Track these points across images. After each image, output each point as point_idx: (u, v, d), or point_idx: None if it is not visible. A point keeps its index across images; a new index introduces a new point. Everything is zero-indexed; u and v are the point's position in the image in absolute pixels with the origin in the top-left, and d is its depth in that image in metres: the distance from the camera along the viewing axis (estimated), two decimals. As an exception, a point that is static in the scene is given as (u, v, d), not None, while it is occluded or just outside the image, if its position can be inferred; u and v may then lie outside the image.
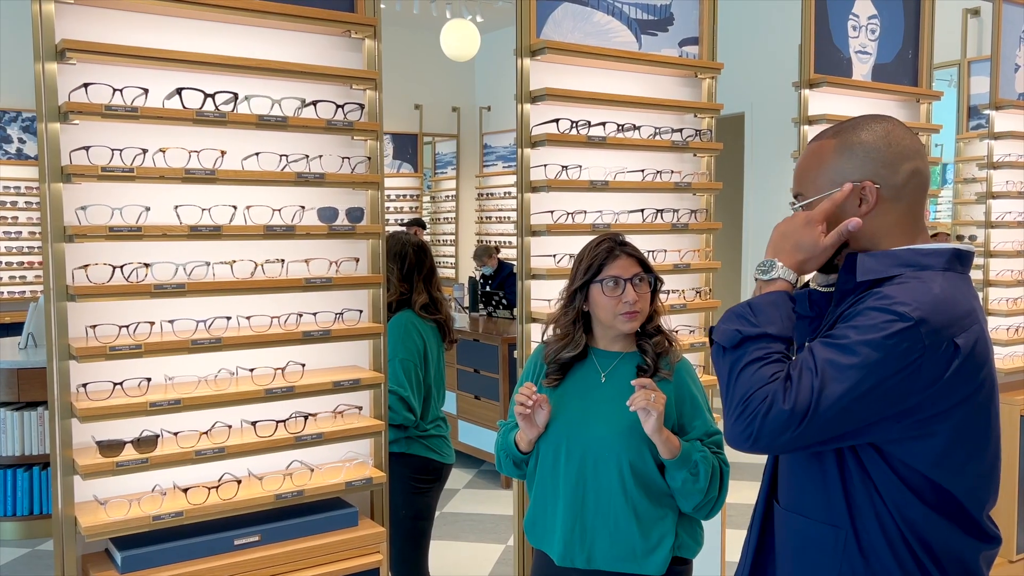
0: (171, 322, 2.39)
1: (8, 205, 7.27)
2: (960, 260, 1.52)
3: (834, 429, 1.40)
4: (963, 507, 1.46)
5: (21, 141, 7.35)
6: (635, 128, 3.18)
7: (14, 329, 5.86)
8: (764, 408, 1.40)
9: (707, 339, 1.60)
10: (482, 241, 9.41)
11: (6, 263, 7.30)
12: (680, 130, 3.30)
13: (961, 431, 1.44)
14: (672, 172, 3.28)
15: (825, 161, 1.55)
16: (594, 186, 3.05)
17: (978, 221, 5.36)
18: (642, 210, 3.20)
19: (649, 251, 3.19)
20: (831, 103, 3.69)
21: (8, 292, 7.29)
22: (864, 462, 1.46)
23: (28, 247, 7.34)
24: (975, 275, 5.11)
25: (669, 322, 2.32)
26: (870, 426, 1.41)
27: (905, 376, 1.37)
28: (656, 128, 3.25)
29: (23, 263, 7.34)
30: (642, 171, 3.22)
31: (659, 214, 3.23)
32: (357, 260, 2.69)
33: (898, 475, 1.44)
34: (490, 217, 9.56)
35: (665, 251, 3.25)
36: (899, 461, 1.43)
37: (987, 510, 1.50)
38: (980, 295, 4.57)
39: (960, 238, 5.69)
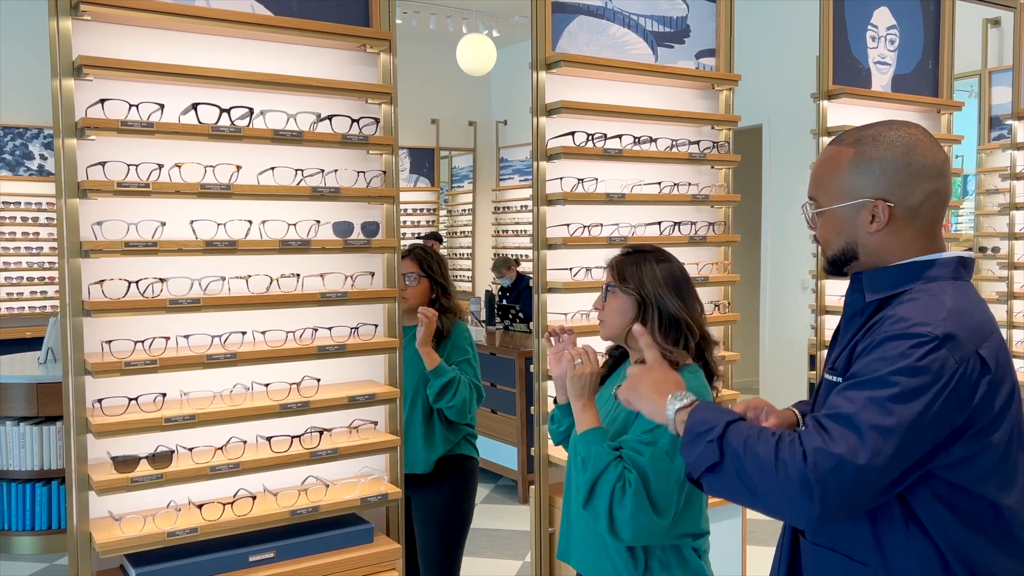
0: (186, 337, 2.39)
1: (30, 221, 7.34)
2: (965, 268, 1.49)
3: (899, 464, 1.32)
4: (1009, 527, 1.41)
5: (43, 158, 7.42)
6: (652, 140, 3.16)
7: (35, 344, 5.90)
8: (812, 461, 1.29)
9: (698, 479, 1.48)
10: (499, 255, 9.40)
11: (27, 278, 7.36)
12: (697, 142, 3.28)
13: (1007, 441, 1.39)
14: (689, 184, 3.26)
15: (841, 171, 1.50)
16: (610, 199, 3.03)
17: (1001, 233, 5.29)
18: (659, 223, 3.17)
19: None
20: (850, 114, 3.66)
21: (29, 307, 7.35)
22: (903, 491, 1.40)
23: (49, 262, 7.39)
24: (999, 287, 5.04)
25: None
26: (930, 454, 1.35)
27: (948, 394, 1.32)
28: (673, 140, 3.23)
29: (44, 278, 7.40)
30: (659, 183, 3.19)
31: (676, 227, 3.20)
32: (372, 274, 2.68)
33: (941, 499, 1.38)
34: (507, 230, 9.56)
35: (683, 264, 3.22)
36: (945, 483, 1.37)
37: None
38: (1004, 307, 4.50)
39: (983, 250, 5.62)
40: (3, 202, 7.24)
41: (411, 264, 3.00)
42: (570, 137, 2.95)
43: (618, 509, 1.80)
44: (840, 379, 1.44)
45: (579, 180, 3.00)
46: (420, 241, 8.98)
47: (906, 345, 1.33)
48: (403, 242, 2.77)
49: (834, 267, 1.56)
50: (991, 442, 1.37)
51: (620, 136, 3.06)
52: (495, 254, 9.55)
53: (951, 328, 1.34)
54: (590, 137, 2.99)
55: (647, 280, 2.05)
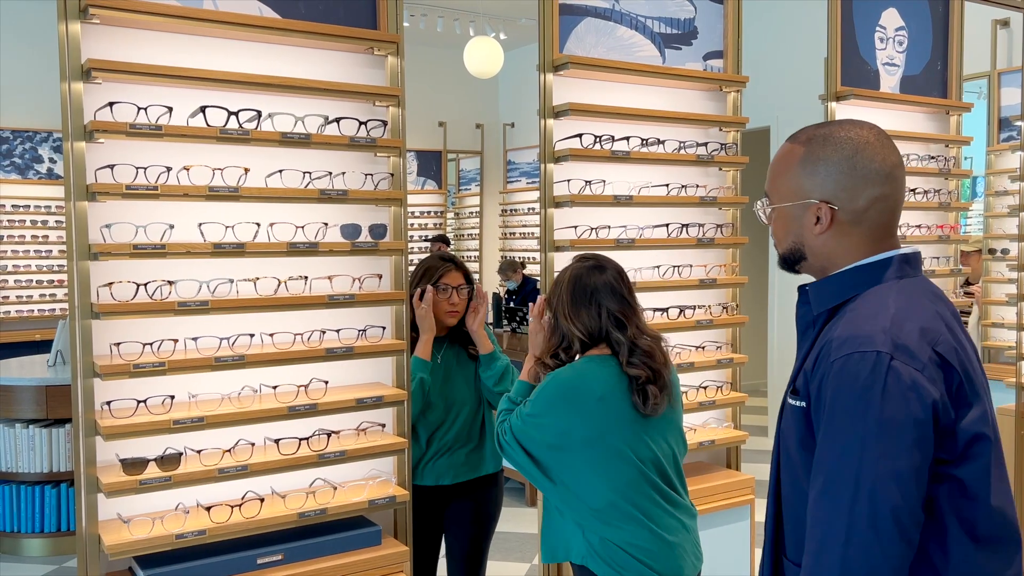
0: (195, 339, 2.39)
1: (39, 224, 7.37)
2: (909, 263, 1.45)
3: (923, 486, 1.29)
4: (996, 531, 1.36)
5: (52, 161, 7.45)
6: (659, 142, 3.15)
7: (44, 346, 5.92)
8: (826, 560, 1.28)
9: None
10: (506, 257, 9.40)
11: (36, 281, 7.39)
12: (705, 144, 3.27)
13: (995, 432, 1.36)
14: (697, 187, 3.25)
15: (790, 169, 1.48)
16: (618, 201, 3.02)
17: (1011, 235, 5.26)
18: (667, 225, 3.16)
19: (674, 266, 3.16)
20: (858, 116, 3.64)
21: (39, 310, 7.38)
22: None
23: (58, 265, 7.42)
24: (1008, 289, 5.01)
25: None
26: (940, 464, 1.31)
27: (919, 399, 1.28)
28: (681, 142, 3.22)
29: (53, 281, 7.44)
30: (667, 186, 3.19)
31: (684, 229, 3.19)
32: (380, 277, 2.68)
33: (943, 509, 1.33)
34: (514, 233, 9.56)
35: (691, 266, 3.22)
36: (950, 487, 1.33)
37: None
38: (1014, 310, 4.48)
39: (992, 252, 5.59)
40: (12, 205, 7.27)
41: (460, 276, 2.88)
42: (578, 139, 2.95)
43: (502, 440, 2.28)
44: (803, 404, 1.39)
45: (587, 182, 2.99)
46: (428, 243, 9.01)
47: (863, 373, 1.29)
48: (410, 245, 2.77)
49: (786, 265, 1.55)
50: (987, 434, 1.34)
51: (628, 138, 3.05)
52: (502, 256, 9.55)
53: (895, 335, 1.30)
54: (598, 139, 2.99)
55: (556, 289, 2.30)
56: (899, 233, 3.95)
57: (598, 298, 2.23)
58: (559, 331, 2.28)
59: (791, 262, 1.53)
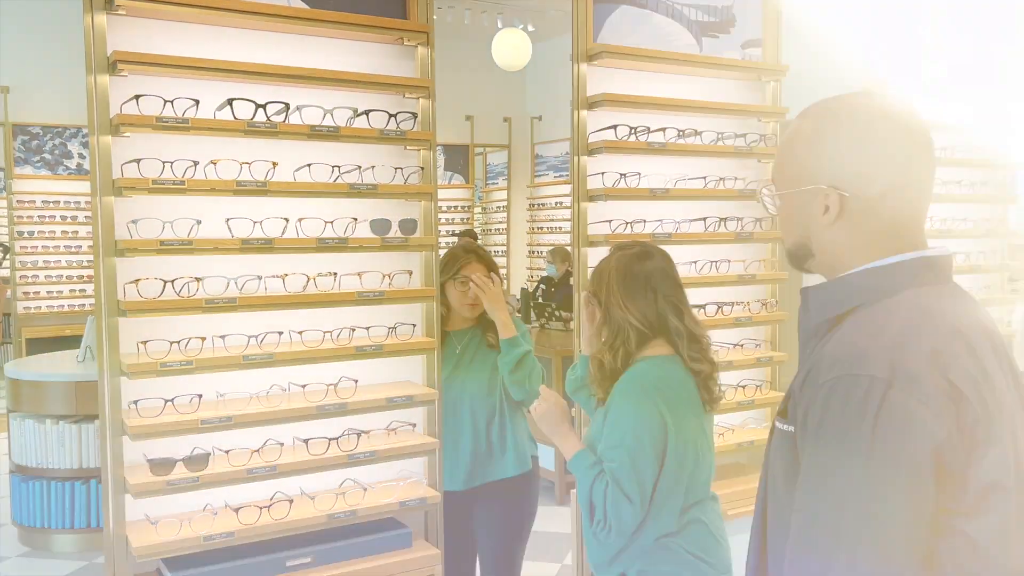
0: (222, 337, 2.35)
1: (69, 219, 7.43)
2: (933, 268, 1.22)
3: (919, 543, 1.09)
4: None
5: (81, 156, 7.50)
6: (696, 133, 3.06)
7: (74, 342, 5.94)
8: None
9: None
10: (534, 252, 9.37)
11: (66, 276, 7.45)
12: (743, 135, 3.17)
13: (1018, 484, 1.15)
14: (736, 179, 3.15)
15: (795, 150, 1.27)
16: (654, 194, 2.94)
17: (1057, 227, 5.09)
18: (704, 219, 3.08)
19: (712, 261, 3.08)
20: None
21: (68, 305, 7.44)
22: None
23: (88, 261, 7.48)
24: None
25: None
26: (946, 515, 1.11)
27: (919, 438, 1.07)
28: (718, 133, 3.13)
29: (83, 276, 7.49)
30: (704, 178, 3.10)
31: (722, 223, 3.10)
32: (410, 273, 2.62)
33: (945, 573, 1.12)
34: (542, 227, 9.50)
35: (729, 261, 3.13)
36: (962, 544, 1.12)
37: None
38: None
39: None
40: (43, 201, 7.33)
41: (482, 267, 2.80)
42: (612, 131, 2.87)
43: (611, 508, 1.96)
44: (791, 428, 1.19)
45: (621, 175, 2.91)
46: (456, 239, 8.97)
47: (854, 399, 1.08)
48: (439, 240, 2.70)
49: (793, 261, 1.33)
50: (1006, 483, 1.11)
51: (664, 129, 2.97)
52: (530, 251, 9.50)
53: (897, 357, 1.09)
54: (633, 130, 2.90)
55: (603, 279, 2.12)
56: (944, 227, 3.81)
57: (653, 284, 2.08)
58: (613, 324, 2.08)
59: (798, 259, 1.31)
